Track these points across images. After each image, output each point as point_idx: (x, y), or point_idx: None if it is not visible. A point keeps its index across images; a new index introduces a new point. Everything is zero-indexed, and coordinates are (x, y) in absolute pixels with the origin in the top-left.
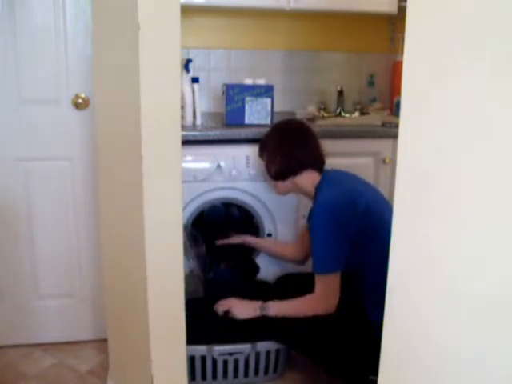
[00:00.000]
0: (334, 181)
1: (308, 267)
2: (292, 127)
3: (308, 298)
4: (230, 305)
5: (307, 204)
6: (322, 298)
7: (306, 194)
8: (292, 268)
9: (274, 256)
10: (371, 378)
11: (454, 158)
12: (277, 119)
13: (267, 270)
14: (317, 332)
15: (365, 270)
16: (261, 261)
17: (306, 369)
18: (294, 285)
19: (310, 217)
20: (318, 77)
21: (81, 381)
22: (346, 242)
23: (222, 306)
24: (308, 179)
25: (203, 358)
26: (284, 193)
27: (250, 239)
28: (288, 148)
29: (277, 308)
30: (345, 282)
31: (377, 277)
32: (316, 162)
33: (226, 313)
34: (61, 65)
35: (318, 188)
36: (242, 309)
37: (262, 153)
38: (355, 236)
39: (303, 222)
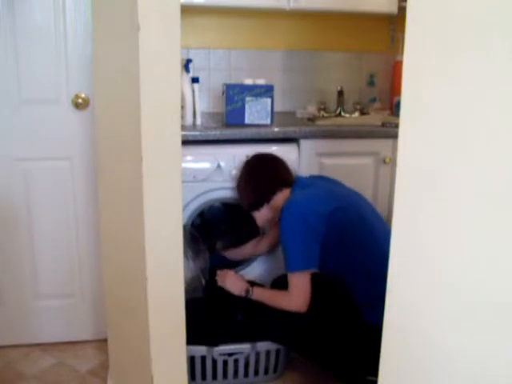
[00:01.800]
0: (302, 186)
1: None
2: (256, 158)
3: (284, 292)
4: (225, 276)
5: None
6: (293, 296)
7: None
8: None
9: (254, 256)
10: (369, 378)
11: (454, 158)
12: (277, 119)
13: (264, 271)
14: (314, 333)
15: (346, 273)
16: (258, 264)
17: (306, 369)
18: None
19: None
20: (318, 77)
21: (81, 381)
22: (314, 242)
23: (220, 277)
24: (282, 198)
25: (203, 358)
26: (263, 222)
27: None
28: (255, 178)
29: (258, 294)
30: (335, 284)
31: (362, 279)
32: (285, 181)
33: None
34: (61, 65)
35: (287, 199)
36: (232, 284)
37: (237, 190)
38: (326, 237)
39: None
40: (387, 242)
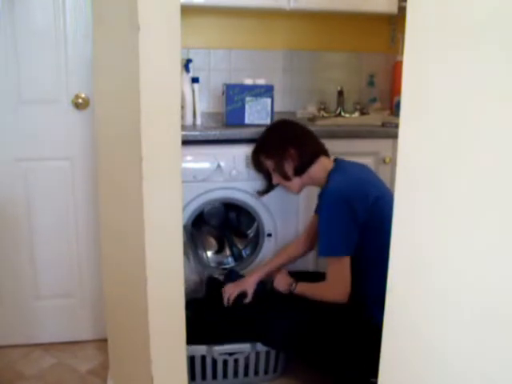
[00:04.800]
0: (346, 169)
1: (308, 264)
2: (288, 122)
3: (322, 282)
4: (277, 273)
5: (307, 204)
6: (331, 284)
7: (318, 183)
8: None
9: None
10: (372, 380)
11: (454, 158)
12: (277, 119)
13: None
14: (316, 335)
15: (369, 266)
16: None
17: (306, 369)
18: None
19: (319, 203)
20: (318, 77)
21: (81, 381)
22: (355, 228)
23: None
24: (321, 167)
25: (203, 358)
26: (300, 190)
27: (261, 274)
28: (300, 138)
29: (301, 288)
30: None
31: (379, 274)
32: (324, 148)
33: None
34: (61, 65)
35: (330, 174)
36: (281, 281)
37: (261, 160)
38: (363, 226)
39: (303, 222)
40: None
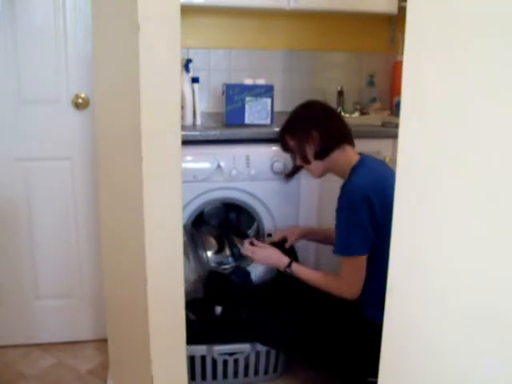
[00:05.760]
0: (370, 165)
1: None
2: (317, 103)
3: (335, 276)
4: (258, 248)
5: (307, 204)
6: (345, 280)
7: (340, 172)
8: None
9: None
10: (370, 379)
11: (454, 158)
12: (277, 119)
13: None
14: (314, 334)
15: (371, 267)
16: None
17: (306, 369)
18: (290, 283)
19: (341, 196)
20: (318, 77)
21: (81, 381)
22: (372, 227)
23: (248, 249)
24: (346, 156)
25: (203, 358)
26: (322, 175)
27: (306, 229)
28: (325, 121)
29: (300, 271)
30: None
31: (378, 275)
32: (350, 135)
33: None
34: (61, 65)
35: (354, 168)
36: (268, 256)
37: (286, 139)
38: (379, 226)
39: (302, 222)
40: None
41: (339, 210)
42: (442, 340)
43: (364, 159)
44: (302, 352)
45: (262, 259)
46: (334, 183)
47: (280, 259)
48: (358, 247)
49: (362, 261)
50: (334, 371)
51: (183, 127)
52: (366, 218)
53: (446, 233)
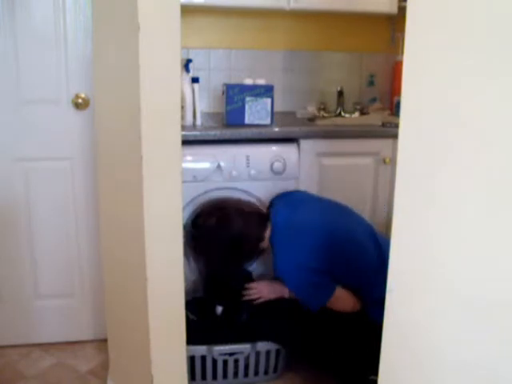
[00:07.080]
0: (281, 233)
1: None
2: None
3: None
4: (260, 287)
5: None
6: (343, 308)
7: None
8: None
9: None
10: (371, 377)
11: (453, 158)
12: (277, 119)
13: (265, 269)
14: (317, 331)
15: (350, 282)
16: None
17: (306, 369)
18: None
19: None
20: (318, 77)
21: (81, 381)
22: (322, 274)
23: (254, 292)
24: (268, 231)
25: (203, 358)
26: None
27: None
28: (235, 244)
29: None
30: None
31: (370, 281)
32: (265, 219)
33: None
34: (61, 65)
35: (271, 242)
36: (272, 291)
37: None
38: (329, 268)
39: None
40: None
41: (284, 278)
42: (441, 339)
43: (275, 223)
44: (304, 350)
45: (269, 294)
46: (334, 183)
47: (283, 289)
48: (325, 291)
49: (338, 292)
50: (335, 369)
51: (183, 127)
52: (309, 276)
53: (446, 232)
